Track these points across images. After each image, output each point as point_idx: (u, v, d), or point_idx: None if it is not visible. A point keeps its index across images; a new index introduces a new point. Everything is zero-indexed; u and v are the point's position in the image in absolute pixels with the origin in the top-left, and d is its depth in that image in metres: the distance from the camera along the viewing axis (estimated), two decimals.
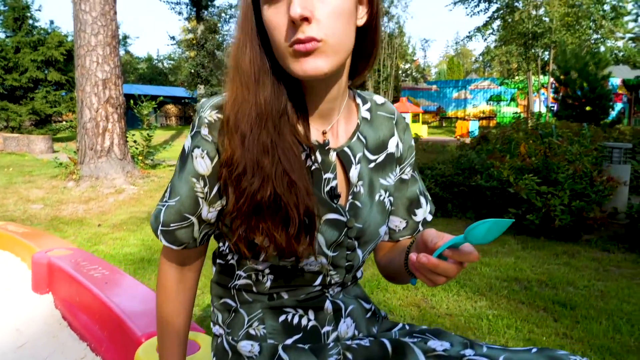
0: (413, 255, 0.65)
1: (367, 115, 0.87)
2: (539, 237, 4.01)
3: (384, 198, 0.87)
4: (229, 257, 0.86)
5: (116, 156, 7.08)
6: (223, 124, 0.73)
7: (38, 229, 2.80)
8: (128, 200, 6.10)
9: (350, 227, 0.80)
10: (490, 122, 28.46)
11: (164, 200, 0.80)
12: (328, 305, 0.85)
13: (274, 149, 0.71)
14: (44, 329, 1.99)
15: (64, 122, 18.17)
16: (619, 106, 25.49)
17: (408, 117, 21.19)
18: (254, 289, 0.83)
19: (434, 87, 31.60)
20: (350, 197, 0.81)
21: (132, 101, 8.68)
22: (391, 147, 0.88)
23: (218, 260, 0.89)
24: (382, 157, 0.87)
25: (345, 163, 0.81)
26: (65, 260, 2.21)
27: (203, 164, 0.75)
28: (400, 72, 32.92)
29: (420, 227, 0.95)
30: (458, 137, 13.64)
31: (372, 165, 0.85)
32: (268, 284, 0.82)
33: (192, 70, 22.31)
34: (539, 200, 3.88)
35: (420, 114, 22.83)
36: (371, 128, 0.87)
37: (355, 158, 0.82)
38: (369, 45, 0.78)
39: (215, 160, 0.74)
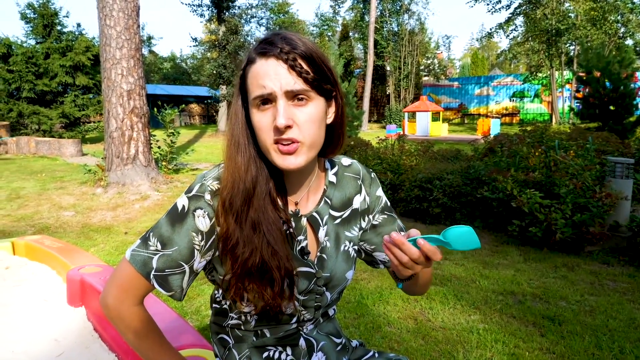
0: (386, 237, 0.83)
1: (333, 179, 1.07)
2: (542, 249, 4.15)
3: (349, 248, 1.08)
4: (223, 302, 1.08)
5: (141, 163, 7.44)
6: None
7: (70, 244, 3.10)
8: (153, 206, 6.43)
9: (318, 277, 1.02)
10: (514, 119, 28.17)
11: (150, 248, 0.92)
12: (302, 342, 1.07)
13: (259, 225, 0.91)
14: (78, 340, 2.26)
15: (92, 123, 18.83)
16: None
17: (428, 116, 21.15)
18: (243, 327, 1.05)
19: (456, 83, 31.39)
20: (318, 252, 1.03)
21: (155, 109, 9.03)
22: (356, 204, 1.09)
23: (214, 305, 1.12)
24: (347, 212, 1.08)
25: (314, 226, 1.03)
26: (96, 277, 2.48)
27: (203, 222, 0.91)
28: (422, 67, 32.57)
29: None
30: (480, 135, 13.64)
31: (337, 221, 1.06)
32: (253, 323, 1.04)
33: (215, 71, 22.73)
34: (541, 213, 4.01)
35: (441, 112, 22.74)
36: (337, 189, 1.07)
37: (322, 220, 1.03)
38: (335, 137, 1.00)
39: (213, 220, 0.92)
